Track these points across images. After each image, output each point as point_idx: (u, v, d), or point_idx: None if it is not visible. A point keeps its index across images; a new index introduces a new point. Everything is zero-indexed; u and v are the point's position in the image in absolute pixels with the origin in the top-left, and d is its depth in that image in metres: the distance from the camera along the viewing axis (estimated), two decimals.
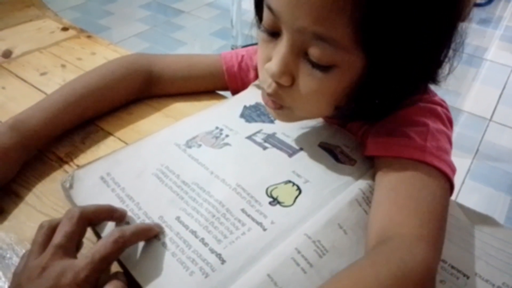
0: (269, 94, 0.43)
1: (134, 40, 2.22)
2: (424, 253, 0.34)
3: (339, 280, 0.33)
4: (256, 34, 0.43)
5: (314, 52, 0.37)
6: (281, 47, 0.38)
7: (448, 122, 0.46)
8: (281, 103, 0.43)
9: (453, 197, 0.43)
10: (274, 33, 0.39)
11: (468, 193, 1.40)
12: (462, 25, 0.39)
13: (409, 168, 0.41)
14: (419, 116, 0.44)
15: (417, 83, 0.42)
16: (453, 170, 0.42)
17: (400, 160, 0.42)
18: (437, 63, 0.40)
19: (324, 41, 0.35)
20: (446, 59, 0.40)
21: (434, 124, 0.44)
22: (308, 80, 0.39)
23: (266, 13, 0.39)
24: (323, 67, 0.37)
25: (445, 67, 0.41)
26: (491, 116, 1.76)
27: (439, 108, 0.46)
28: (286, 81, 0.40)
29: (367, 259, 0.35)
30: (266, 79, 0.42)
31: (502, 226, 0.42)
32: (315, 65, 0.38)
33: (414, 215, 0.37)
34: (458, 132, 1.66)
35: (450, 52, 0.40)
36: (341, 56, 0.36)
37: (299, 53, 0.38)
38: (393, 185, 0.40)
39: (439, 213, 0.38)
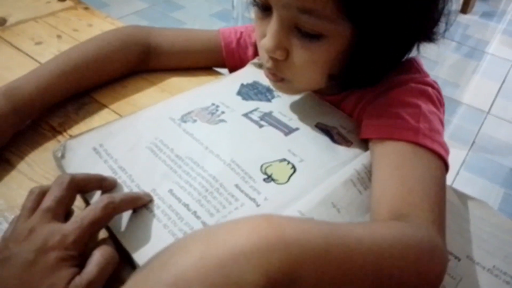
0: (268, 69, 0.45)
1: (133, 18, 2.18)
2: (436, 237, 0.34)
3: (355, 225, 0.32)
4: (252, 10, 0.45)
5: (302, 25, 0.39)
6: (273, 24, 0.40)
7: (439, 103, 0.46)
8: (281, 76, 0.45)
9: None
10: (266, 9, 0.41)
11: (463, 184, 1.40)
12: None
13: (408, 150, 0.40)
14: (410, 97, 0.44)
15: (409, 43, 0.44)
16: (446, 150, 0.42)
17: (396, 142, 0.41)
18: (429, 22, 0.42)
19: (310, 14, 0.37)
20: (438, 16, 0.41)
21: (425, 105, 0.44)
22: (301, 52, 0.41)
23: None
24: (313, 39, 0.40)
25: (441, 25, 0.43)
26: (489, 109, 1.76)
27: (430, 89, 0.45)
28: (281, 55, 0.42)
29: (384, 221, 0.35)
30: (264, 55, 0.44)
31: (495, 211, 0.42)
32: (305, 37, 0.40)
33: (424, 199, 0.37)
34: (455, 123, 1.66)
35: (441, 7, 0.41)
36: (328, 27, 0.38)
37: (289, 27, 0.40)
38: (396, 165, 0.40)
39: (442, 197, 0.38)
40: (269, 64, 0.44)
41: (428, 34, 0.43)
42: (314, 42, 0.40)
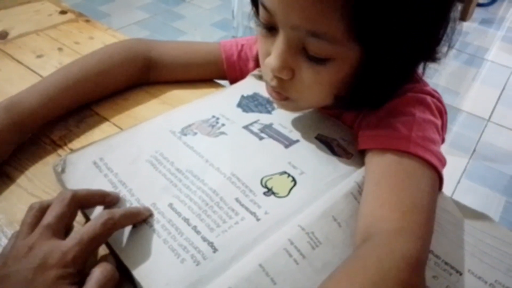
0: (273, 87, 0.44)
1: (134, 28, 2.20)
2: (403, 247, 0.33)
3: None
4: (254, 27, 0.44)
5: (310, 47, 0.38)
6: (279, 43, 0.39)
7: (438, 111, 0.45)
8: (286, 95, 0.44)
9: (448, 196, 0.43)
10: (271, 28, 0.40)
11: (464, 192, 1.40)
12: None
13: (393, 160, 0.40)
14: (406, 106, 0.44)
15: (415, 64, 0.43)
16: (441, 160, 0.41)
17: (385, 152, 0.41)
18: (434, 42, 0.41)
19: (319, 37, 0.37)
20: (441, 36, 0.41)
21: (421, 114, 0.43)
22: (307, 73, 0.41)
23: (261, 10, 0.40)
24: (320, 61, 0.39)
25: (444, 44, 0.42)
26: (490, 117, 1.76)
27: (428, 98, 0.45)
28: (286, 75, 0.41)
29: (344, 267, 0.33)
30: (268, 73, 0.43)
31: (496, 224, 0.41)
32: (312, 59, 0.39)
33: (395, 208, 0.36)
34: (455, 131, 1.66)
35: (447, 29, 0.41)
36: (337, 50, 0.38)
37: (296, 48, 0.39)
38: (377, 179, 0.40)
39: (424, 203, 0.37)
40: (273, 82, 0.43)
41: (431, 54, 0.42)
42: (322, 64, 0.39)
